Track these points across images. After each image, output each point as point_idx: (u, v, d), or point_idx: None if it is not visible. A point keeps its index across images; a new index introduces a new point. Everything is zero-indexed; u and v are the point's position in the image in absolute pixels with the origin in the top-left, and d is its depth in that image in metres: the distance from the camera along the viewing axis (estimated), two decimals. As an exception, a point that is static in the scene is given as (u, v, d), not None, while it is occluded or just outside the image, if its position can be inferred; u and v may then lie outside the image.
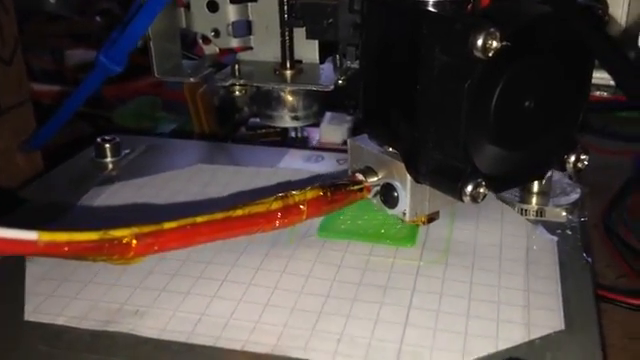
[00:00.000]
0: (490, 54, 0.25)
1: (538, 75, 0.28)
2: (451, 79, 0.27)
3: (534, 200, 0.36)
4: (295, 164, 0.41)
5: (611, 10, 0.33)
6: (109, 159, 0.42)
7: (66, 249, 0.24)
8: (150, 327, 0.27)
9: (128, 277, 0.30)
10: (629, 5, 0.33)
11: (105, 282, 0.30)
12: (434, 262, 0.32)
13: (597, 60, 0.28)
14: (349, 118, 0.53)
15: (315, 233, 0.34)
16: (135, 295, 0.29)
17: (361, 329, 0.27)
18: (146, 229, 0.26)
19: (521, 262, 0.31)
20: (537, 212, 0.35)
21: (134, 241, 0.26)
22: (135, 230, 0.26)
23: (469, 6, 0.28)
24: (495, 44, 0.25)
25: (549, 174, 0.36)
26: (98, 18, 0.73)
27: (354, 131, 0.48)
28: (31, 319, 0.28)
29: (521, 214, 0.35)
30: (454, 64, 0.27)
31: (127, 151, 0.43)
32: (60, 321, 0.28)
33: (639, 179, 0.52)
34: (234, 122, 0.60)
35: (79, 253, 0.24)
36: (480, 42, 0.25)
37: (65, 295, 0.29)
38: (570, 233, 0.34)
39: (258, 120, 0.55)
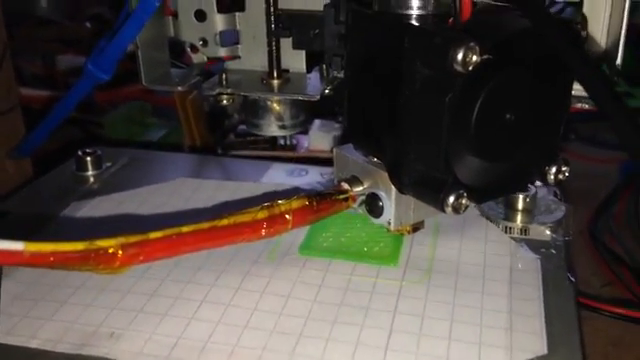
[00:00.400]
0: (470, 68, 0.26)
1: (519, 88, 0.29)
2: (432, 92, 0.27)
3: (518, 218, 0.36)
4: (279, 178, 0.41)
5: (591, 28, 0.33)
6: (90, 172, 0.42)
7: (52, 259, 0.24)
8: (125, 350, 0.27)
9: (105, 297, 0.30)
10: (609, 23, 0.33)
11: (81, 302, 0.30)
12: (416, 282, 0.32)
13: (574, 76, 0.29)
14: (337, 125, 0.54)
15: (297, 251, 0.34)
16: (111, 317, 0.29)
17: (341, 353, 0.27)
18: (132, 239, 0.26)
19: (504, 282, 0.31)
20: (521, 230, 0.35)
21: (120, 251, 0.26)
22: (121, 240, 0.26)
23: (450, 20, 0.29)
24: (475, 58, 0.26)
25: (533, 191, 0.36)
26: (88, 24, 0.73)
27: (342, 138, 0.48)
28: (3, 341, 0.27)
29: (505, 232, 0.35)
30: (435, 77, 0.27)
31: (109, 164, 0.43)
32: (34, 344, 0.27)
33: (625, 187, 0.53)
34: (224, 129, 0.60)
35: (65, 263, 0.25)
36: (460, 56, 0.26)
37: (40, 316, 0.29)
38: (554, 252, 0.34)
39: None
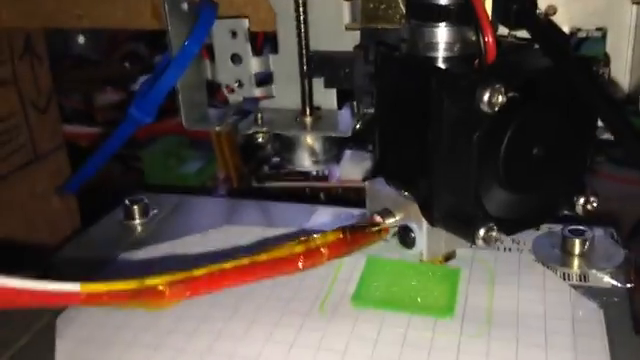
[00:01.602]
0: (496, 108, 0.27)
1: (545, 123, 0.30)
2: (460, 131, 0.28)
3: (576, 263, 0.35)
4: (324, 223, 0.41)
5: (614, 67, 0.34)
6: (137, 221, 0.43)
7: (105, 298, 0.26)
8: None
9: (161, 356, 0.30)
10: (632, 62, 0.34)
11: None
12: (476, 336, 0.30)
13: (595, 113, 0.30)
14: (368, 155, 0.55)
15: (348, 302, 0.33)
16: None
17: None
18: (178, 276, 0.28)
19: (568, 334, 0.30)
20: (580, 277, 0.34)
21: (167, 288, 0.27)
22: (168, 278, 0.28)
23: (475, 61, 0.30)
24: (501, 99, 0.27)
25: (590, 235, 0.35)
26: (127, 64, 0.76)
27: (373, 171, 0.49)
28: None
29: (563, 279, 0.34)
30: (463, 117, 0.28)
31: (155, 211, 0.44)
32: None
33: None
34: (258, 160, 0.62)
35: (117, 301, 0.26)
36: (486, 97, 0.27)
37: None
38: (617, 300, 0.32)
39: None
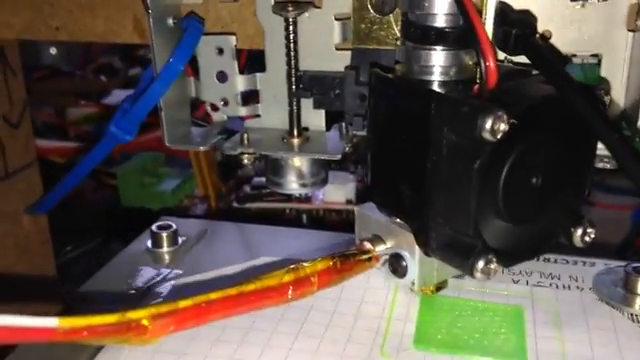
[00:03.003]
0: (498, 136, 0.26)
1: (545, 151, 0.29)
2: (460, 159, 0.28)
3: (638, 303, 0.34)
4: None
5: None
6: (166, 249, 0.40)
7: (85, 333, 0.24)
8: None
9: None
10: (627, 84, 0.34)
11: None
12: None
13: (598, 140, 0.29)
14: (352, 177, 0.54)
15: (410, 345, 0.31)
16: None
17: None
18: (163, 309, 0.26)
19: None
20: None
21: (151, 322, 0.26)
22: (152, 310, 0.26)
23: (475, 86, 0.29)
24: (503, 126, 0.26)
25: None
26: (103, 77, 0.74)
27: (362, 196, 0.48)
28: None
29: (632, 321, 0.33)
30: (463, 144, 0.27)
31: (184, 238, 0.41)
32: None
33: (638, 235, 0.53)
34: (238, 179, 0.61)
35: (98, 336, 0.25)
36: (488, 125, 0.26)
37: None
38: None
39: (263, 179, 0.56)
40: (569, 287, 0.36)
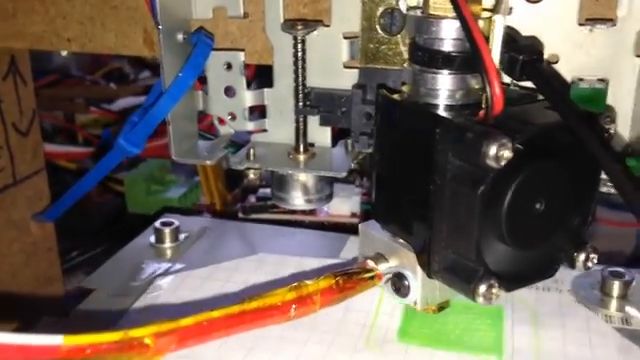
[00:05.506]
0: (502, 163, 0.26)
1: (548, 178, 0.29)
2: (464, 183, 0.28)
3: (615, 305, 0.35)
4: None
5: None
6: (168, 244, 0.42)
7: (88, 351, 0.24)
8: None
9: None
10: (633, 112, 0.34)
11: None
12: None
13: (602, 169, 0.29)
14: (357, 190, 0.54)
15: (394, 337, 0.33)
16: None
17: None
18: (164, 327, 0.27)
19: None
20: (622, 320, 0.35)
21: (153, 340, 0.26)
22: (154, 329, 0.26)
23: (479, 111, 0.29)
24: (507, 154, 0.26)
25: (631, 277, 0.36)
26: (112, 85, 0.74)
27: (366, 214, 0.48)
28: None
29: (606, 321, 0.35)
30: (467, 170, 0.28)
31: (186, 234, 0.43)
32: None
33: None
34: (242, 188, 0.61)
35: (100, 354, 0.25)
36: (493, 152, 0.26)
37: None
38: None
39: (268, 191, 0.56)
40: (549, 289, 0.37)
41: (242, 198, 0.59)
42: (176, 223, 0.43)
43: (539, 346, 0.32)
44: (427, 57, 0.30)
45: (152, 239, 0.43)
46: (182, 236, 0.43)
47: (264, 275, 0.39)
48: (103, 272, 0.41)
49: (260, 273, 0.39)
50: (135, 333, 0.26)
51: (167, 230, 0.43)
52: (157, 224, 0.43)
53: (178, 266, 0.40)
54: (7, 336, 0.22)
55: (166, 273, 0.39)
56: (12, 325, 0.39)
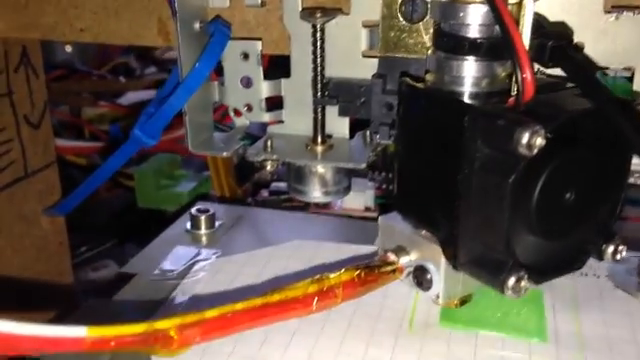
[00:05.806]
0: (535, 151, 0.26)
1: (579, 167, 0.29)
2: (494, 172, 0.27)
3: None
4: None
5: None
6: (203, 231, 0.43)
7: (113, 344, 0.24)
8: None
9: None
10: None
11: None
12: None
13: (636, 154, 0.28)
14: (371, 184, 0.53)
15: (436, 321, 0.33)
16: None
17: None
18: (189, 319, 0.26)
19: None
20: None
21: (178, 333, 0.25)
22: (178, 321, 0.26)
23: (510, 98, 0.29)
24: (540, 141, 0.26)
25: None
26: (122, 78, 0.73)
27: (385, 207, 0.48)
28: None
29: None
30: (497, 158, 0.27)
31: (221, 222, 0.44)
32: None
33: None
34: (253, 182, 0.60)
35: (125, 346, 0.24)
36: (525, 140, 0.25)
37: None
38: None
39: (281, 185, 0.56)
40: (586, 274, 0.37)
41: (253, 192, 0.59)
42: (211, 210, 0.44)
43: (581, 329, 0.32)
44: (453, 43, 0.30)
45: (188, 225, 0.43)
46: (217, 223, 0.44)
47: (299, 261, 0.39)
48: (142, 257, 0.41)
49: (297, 259, 0.39)
50: (160, 325, 0.25)
51: (203, 217, 0.43)
52: (193, 211, 0.44)
53: (215, 252, 0.41)
54: (31, 327, 0.21)
55: (204, 259, 0.40)
56: (49, 314, 0.40)
